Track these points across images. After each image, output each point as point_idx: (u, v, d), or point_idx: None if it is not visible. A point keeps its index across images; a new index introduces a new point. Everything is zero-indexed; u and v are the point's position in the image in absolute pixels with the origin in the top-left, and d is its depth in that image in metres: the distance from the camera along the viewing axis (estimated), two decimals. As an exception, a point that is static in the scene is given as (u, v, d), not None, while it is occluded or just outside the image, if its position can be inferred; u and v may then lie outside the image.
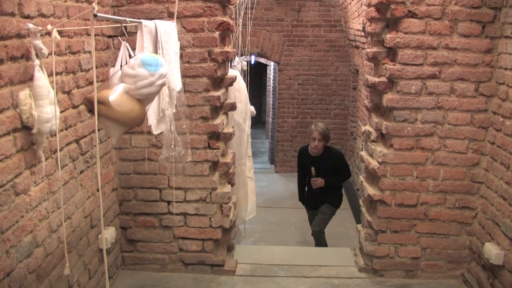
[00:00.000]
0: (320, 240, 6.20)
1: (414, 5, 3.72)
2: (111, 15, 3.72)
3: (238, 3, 5.64)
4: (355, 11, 8.14)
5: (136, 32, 2.78)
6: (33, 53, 2.49)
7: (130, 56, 2.59)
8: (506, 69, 3.67)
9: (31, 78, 2.52)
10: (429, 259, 4.24)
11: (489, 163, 3.91)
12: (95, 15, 1.99)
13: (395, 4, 3.73)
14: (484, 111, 3.89)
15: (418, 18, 3.75)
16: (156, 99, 2.82)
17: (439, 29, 3.77)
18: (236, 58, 5.80)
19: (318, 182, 5.91)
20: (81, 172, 3.42)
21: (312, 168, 5.97)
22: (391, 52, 3.96)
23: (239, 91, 4.93)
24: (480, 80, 3.83)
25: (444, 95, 3.88)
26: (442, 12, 3.73)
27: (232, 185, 4.53)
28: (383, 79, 3.98)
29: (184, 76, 3.79)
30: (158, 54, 2.72)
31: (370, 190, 4.22)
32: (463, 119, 3.92)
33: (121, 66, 2.52)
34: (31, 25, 2.47)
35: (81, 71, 3.33)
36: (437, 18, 3.74)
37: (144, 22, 2.72)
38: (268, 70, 14.85)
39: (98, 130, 3.54)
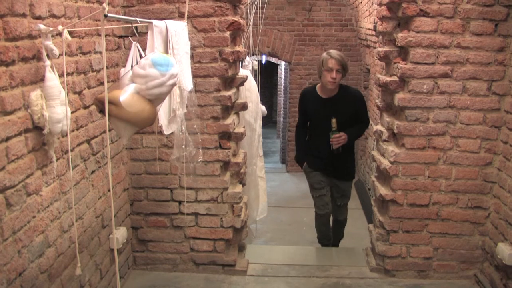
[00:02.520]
0: (341, 230, 5.38)
1: (426, 4, 3.70)
2: (122, 15, 3.73)
3: (249, 2, 5.64)
4: (366, 10, 8.11)
5: (147, 32, 2.78)
6: (44, 53, 2.50)
7: (141, 56, 2.59)
8: (519, 67, 3.64)
9: (42, 79, 2.53)
10: (442, 259, 4.22)
11: (502, 162, 3.88)
12: (105, 16, 1.99)
13: (407, 3, 3.71)
14: (497, 110, 3.86)
15: (429, 17, 3.73)
16: (167, 99, 2.82)
17: (451, 27, 3.74)
18: (247, 58, 5.80)
19: (342, 138, 4.65)
20: (92, 172, 3.43)
21: (333, 120, 4.58)
22: (403, 51, 3.94)
23: (250, 91, 4.93)
24: (493, 79, 3.80)
25: (456, 94, 3.85)
26: (454, 11, 3.71)
27: (243, 185, 4.52)
28: (395, 78, 3.96)
29: (195, 76, 3.79)
30: (169, 54, 2.72)
31: (382, 190, 4.20)
32: (476, 118, 3.89)
33: (132, 66, 2.52)
34: (42, 26, 2.48)
35: (92, 71, 3.33)
36: (449, 16, 3.72)
37: (154, 22, 2.72)
38: (279, 70, 14.87)
39: (109, 130, 3.55)
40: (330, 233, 5.34)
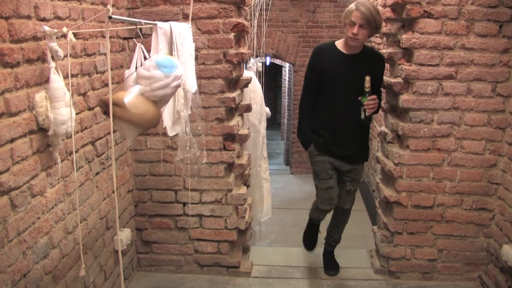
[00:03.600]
0: (343, 225, 4.69)
1: (430, 5, 3.70)
2: (126, 17, 3.73)
3: (253, 4, 5.64)
4: (371, 12, 8.10)
5: (151, 34, 2.78)
6: (49, 55, 2.51)
7: (145, 58, 2.59)
8: (524, 69, 3.64)
9: (47, 80, 2.54)
10: (446, 261, 4.21)
11: (507, 164, 3.87)
12: (110, 17, 1.99)
13: (411, 5, 3.70)
14: (502, 112, 3.85)
15: (434, 18, 3.72)
16: (171, 100, 2.82)
17: (455, 29, 3.74)
18: (251, 60, 5.80)
19: (376, 102, 3.80)
20: (97, 173, 3.44)
21: (368, 79, 3.70)
22: (407, 53, 3.93)
23: (255, 93, 4.93)
24: (497, 80, 3.80)
25: (461, 95, 3.84)
26: (459, 12, 3.70)
27: (248, 186, 4.52)
28: (399, 79, 3.96)
29: (199, 77, 3.79)
30: (173, 56, 2.72)
31: (386, 192, 4.19)
32: (480, 120, 3.88)
33: (136, 68, 2.53)
34: (47, 28, 2.48)
35: (97, 73, 3.34)
36: (453, 18, 3.71)
37: (159, 24, 2.72)
38: (283, 71, 14.87)
39: (114, 132, 3.56)
40: (317, 236, 4.82)
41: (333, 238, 4.67)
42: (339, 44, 3.91)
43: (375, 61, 3.94)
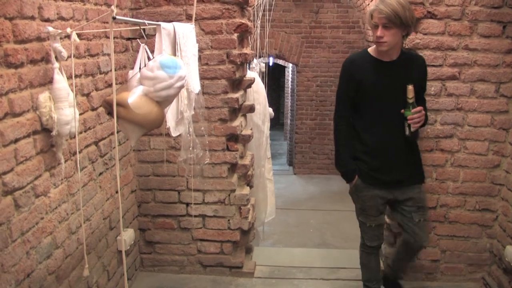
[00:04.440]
0: (414, 259, 4.03)
1: (433, 6, 3.69)
2: (130, 17, 3.74)
3: (256, 4, 5.65)
4: (374, 12, 8.10)
5: (155, 35, 2.79)
6: (53, 56, 2.52)
7: (149, 59, 2.59)
8: (527, 69, 3.63)
9: (50, 81, 2.55)
10: (449, 262, 4.20)
11: (510, 165, 3.86)
12: (114, 18, 1.99)
13: (414, 5, 3.69)
14: (505, 112, 3.84)
15: (437, 19, 3.72)
16: (174, 101, 2.83)
17: (458, 29, 3.73)
18: (255, 60, 5.81)
19: (422, 114, 3.26)
20: (100, 174, 3.44)
21: (410, 88, 3.18)
22: (410, 53, 3.93)
23: (258, 93, 4.93)
24: (501, 81, 3.79)
25: (464, 96, 3.84)
26: (462, 13, 3.70)
27: (251, 187, 4.52)
28: (402, 80, 3.96)
29: (202, 78, 3.80)
30: (176, 56, 2.73)
31: (389, 192, 4.19)
32: (483, 121, 3.87)
33: (140, 68, 2.53)
34: (50, 28, 2.50)
35: (100, 73, 3.34)
36: (456, 18, 3.71)
37: (162, 24, 2.73)
38: (286, 72, 14.86)
39: (117, 132, 3.56)
40: (379, 271, 3.91)
41: (394, 273, 4.02)
42: (373, 51, 3.37)
43: (416, 66, 3.39)
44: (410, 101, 3.20)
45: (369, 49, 3.40)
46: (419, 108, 3.22)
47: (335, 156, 3.62)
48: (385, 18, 3.06)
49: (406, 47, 3.81)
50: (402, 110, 3.23)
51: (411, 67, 3.34)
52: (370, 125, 3.40)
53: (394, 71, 3.29)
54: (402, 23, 3.08)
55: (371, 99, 3.35)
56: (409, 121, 3.22)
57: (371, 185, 3.47)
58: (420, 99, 3.35)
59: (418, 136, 3.39)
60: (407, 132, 3.26)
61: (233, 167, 4.19)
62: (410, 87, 3.19)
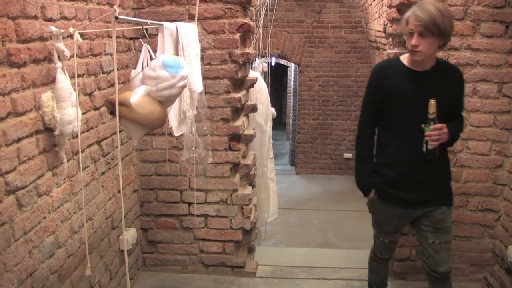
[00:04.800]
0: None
1: (436, 6, 3.69)
2: (132, 17, 3.74)
3: (258, 4, 5.65)
4: (376, 12, 8.09)
5: (157, 34, 2.79)
6: (55, 55, 2.52)
7: (151, 58, 2.60)
8: (530, 69, 3.62)
9: (53, 80, 2.55)
10: (451, 262, 4.19)
11: (513, 165, 3.87)
12: (116, 18, 2.00)
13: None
14: (507, 112, 3.84)
15: (440, 19, 3.72)
16: (177, 101, 2.83)
17: (461, 29, 3.73)
18: (257, 60, 5.81)
19: (443, 132, 2.96)
20: (103, 173, 3.45)
21: (432, 103, 2.90)
22: (413, 53, 3.93)
23: (260, 93, 4.93)
24: (503, 81, 3.78)
25: (467, 96, 3.82)
26: (464, 13, 3.69)
27: (253, 186, 4.53)
28: (405, 80, 3.95)
29: (205, 78, 3.80)
30: (179, 56, 2.73)
31: (392, 192, 4.18)
32: (486, 121, 3.87)
33: (142, 68, 2.54)
34: (53, 28, 2.50)
35: (103, 73, 3.35)
36: (459, 18, 3.70)
37: (165, 24, 2.73)
38: (288, 72, 14.86)
39: (120, 131, 3.57)
40: (386, 279, 3.82)
41: None
42: (406, 59, 3.12)
43: (451, 79, 3.10)
44: (431, 116, 2.94)
45: (402, 57, 3.15)
46: (440, 125, 2.94)
47: (355, 167, 3.46)
48: (421, 26, 2.80)
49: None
50: (423, 125, 2.97)
51: (444, 80, 3.06)
52: (393, 137, 3.15)
53: (425, 83, 3.03)
54: (440, 32, 2.82)
55: (397, 110, 3.10)
56: (426, 138, 2.96)
57: (388, 203, 3.23)
58: (452, 116, 3.10)
59: (436, 155, 3.02)
60: (424, 149, 3.01)
61: (235, 167, 4.19)
62: (432, 102, 2.90)
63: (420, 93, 3.00)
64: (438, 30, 2.80)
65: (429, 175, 3.11)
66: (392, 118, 3.14)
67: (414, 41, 2.85)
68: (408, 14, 2.90)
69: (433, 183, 3.14)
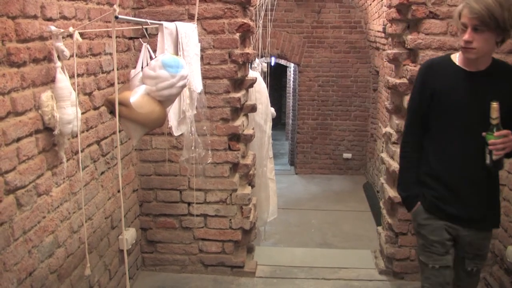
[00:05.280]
0: None
1: (436, 6, 3.69)
2: (132, 17, 3.74)
3: (258, 4, 5.65)
4: (376, 12, 8.10)
5: (157, 34, 2.79)
6: (55, 55, 2.52)
7: (151, 58, 2.60)
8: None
9: (53, 80, 2.55)
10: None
11: (512, 165, 3.86)
12: (116, 17, 2.00)
13: (416, 5, 3.69)
14: (507, 113, 3.83)
15: (439, 19, 3.72)
16: (177, 100, 2.83)
17: (461, 29, 3.73)
18: (256, 60, 5.80)
19: (509, 141, 2.56)
20: (102, 173, 3.45)
21: (495, 106, 2.54)
22: (412, 53, 3.93)
23: (260, 93, 4.93)
24: (503, 81, 3.77)
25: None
26: (464, 13, 3.69)
27: (253, 186, 4.53)
28: (404, 80, 3.95)
29: (204, 77, 3.80)
30: (178, 56, 2.73)
31: (391, 192, 4.18)
32: (486, 121, 3.85)
33: (142, 67, 2.54)
34: (53, 28, 2.50)
35: (102, 72, 3.35)
36: (459, 18, 3.70)
37: (164, 24, 2.73)
38: (288, 72, 14.84)
39: (119, 131, 3.57)
40: None
41: None
42: (457, 57, 2.77)
43: (510, 79, 2.73)
44: (494, 122, 2.56)
45: (453, 55, 2.80)
46: (505, 131, 2.55)
47: (398, 177, 3.09)
48: (476, 19, 2.45)
49: (409, 47, 3.81)
50: (484, 133, 2.59)
51: (502, 81, 2.69)
52: (442, 146, 2.79)
53: (479, 84, 2.68)
54: (498, 26, 2.45)
55: (447, 114, 2.74)
56: (490, 147, 2.58)
57: (435, 216, 2.84)
58: (510, 123, 2.62)
59: (502, 167, 2.69)
60: (487, 160, 2.61)
61: (235, 167, 4.19)
62: (495, 105, 2.54)
63: (471, 96, 2.67)
64: (495, 23, 2.44)
65: (481, 192, 2.77)
66: (440, 124, 2.79)
67: (467, 36, 2.50)
68: (460, 6, 2.56)
69: (485, 201, 2.79)
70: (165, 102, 2.53)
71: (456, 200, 2.76)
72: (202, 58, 3.77)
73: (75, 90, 2.61)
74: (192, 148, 3.25)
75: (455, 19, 2.62)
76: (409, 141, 2.96)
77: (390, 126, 4.38)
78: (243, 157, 4.28)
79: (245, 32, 3.93)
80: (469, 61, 2.67)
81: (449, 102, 2.72)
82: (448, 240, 2.82)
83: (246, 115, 4.44)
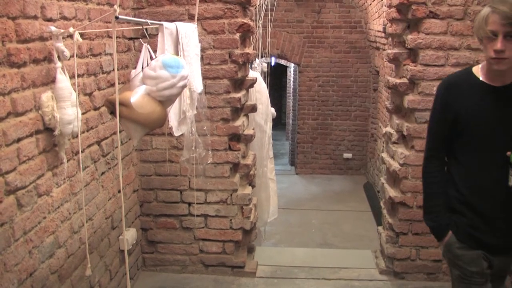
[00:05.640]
0: None
1: (436, 6, 3.69)
2: (132, 17, 3.74)
3: (258, 4, 5.64)
4: (376, 12, 8.10)
5: (157, 34, 2.79)
6: (55, 55, 2.52)
7: (151, 58, 2.60)
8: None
9: (53, 80, 2.55)
10: None
11: None
12: (117, 18, 2.00)
13: (416, 5, 3.70)
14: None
15: (439, 19, 3.72)
16: (177, 100, 2.83)
17: (461, 29, 3.73)
18: (257, 60, 5.80)
19: None
20: (103, 173, 3.45)
21: None
22: (412, 53, 3.93)
23: (260, 93, 4.93)
24: (504, 81, 3.77)
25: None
26: (464, 12, 3.69)
27: (253, 186, 4.53)
28: (404, 80, 3.95)
29: (204, 78, 3.80)
30: (179, 56, 2.73)
31: (391, 192, 4.19)
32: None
33: (142, 68, 2.54)
34: (53, 28, 2.50)
35: (103, 73, 3.35)
36: (459, 18, 3.71)
37: (165, 24, 2.73)
38: (288, 72, 14.84)
39: (119, 131, 3.57)
40: None
41: None
42: (480, 71, 2.51)
43: None
44: None
45: (474, 68, 2.55)
46: None
47: (423, 204, 2.79)
48: (510, 25, 2.17)
49: (409, 47, 3.81)
50: (509, 153, 2.38)
51: None
52: (469, 169, 2.53)
53: (505, 100, 2.43)
54: None
55: (472, 136, 2.49)
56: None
57: (468, 246, 2.57)
58: None
59: None
60: (510, 183, 2.39)
61: (235, 167, 4.19)
62: None
63: (499, 114, 2.43)
64: None
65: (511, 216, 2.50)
66: (466, 146, 2.53)
67: (499, 45, 2.21)
68: (486, 10, 2.28)
69: None
70: (165, 102, 2.53)
71: (491, 228, 2.50)
72: (202, 58, 3.77)
73: (75, 91, 2.61)
74: (193, 148, 3.25)
75: (479, 26, 2.32)
76: (432, 166, 2.69)
77: (391, 126, 4.39)
78: (244, 157, 4.28)
79: (245, 32, 3.93)
80: (494, 75, 2.42)
81: (475, 123, 2.47)
82: (487, 268, 2.56)
83: (246, 115, 4.44)
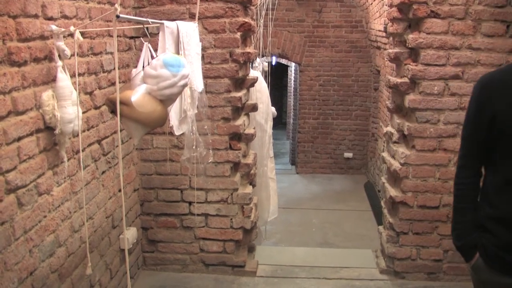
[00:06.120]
0: None
1: (437, 5, 3.69)
2: (133, 16, 3.74)
3: (259, 4, 5.64)
4: (377, 12, 8.09)
5: (158, 33, 2.79)
6: (56, 54, 2.52)
7: (152, 57, 2.60)
8: (531, 69, 3.59)
9: (54, 79, 2.55)
10: (452, 262, 4.19)
11: (513, 164, 3.84)
12: (117, 16, 1.99)
13: (418, 4, 3.69)
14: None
15: (440, 18, 3.71)
16: (178, 100, 2.83)
17: (462, 29, 3.72)
18: (257, 59, 5.80)
19: None
20: (103, 172, 3.44)
21: None
22: (413, 53, 3.92)
23: (261, 92, 4.93)
24: (504, 80, 3.76)
25: (467, 95, 3.82)
26: (465, 12, 3.69)
27: (253, 186, 4.52)
28: (405, 79, 3.95)
29: (205, 77, 3.80)
30: (180, 55, 2.73)
31: (392, 192, 4.18)
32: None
33: (143, 67, 2.54)
34: (54, 27, 2.50)
35: (103, 72, 3.35)
36: (460, 18, 3.70)
37: (166, 23, 2.73)
38: (289, 71, 14.84)
39: (120, 130, 3.57)
40: None
41: None
42: None
43: None
44: None
45: None
46: None
47: (452, 220, 2.49)
48: None
49: (410, 46, 3.81)
50: None
51: None
52: (507, 182, 2.20)
53: None
54: None
55: None
56: None
57: (498, 271, 2.26)
58: None
59: None
60: None
61: (236, 166, 4.19)
62: None
63: None
64: None
65: None
66: (505, 155, 2.22)
67: None
68: None
69: None
70: (166, 101, 2.53)
71: None
72: (203, 57, 3.77)
73: (76, 89, 2.61)
74: (193, 147, 3.24)
75: None
76: (464, 176, 2.39)
77: (391, 126, 4.38)
78: (244, 156, 4.28)
79: (246, 32, 3.93)
80: None
81: None
82: None
83: (247, 114, 4.44)
